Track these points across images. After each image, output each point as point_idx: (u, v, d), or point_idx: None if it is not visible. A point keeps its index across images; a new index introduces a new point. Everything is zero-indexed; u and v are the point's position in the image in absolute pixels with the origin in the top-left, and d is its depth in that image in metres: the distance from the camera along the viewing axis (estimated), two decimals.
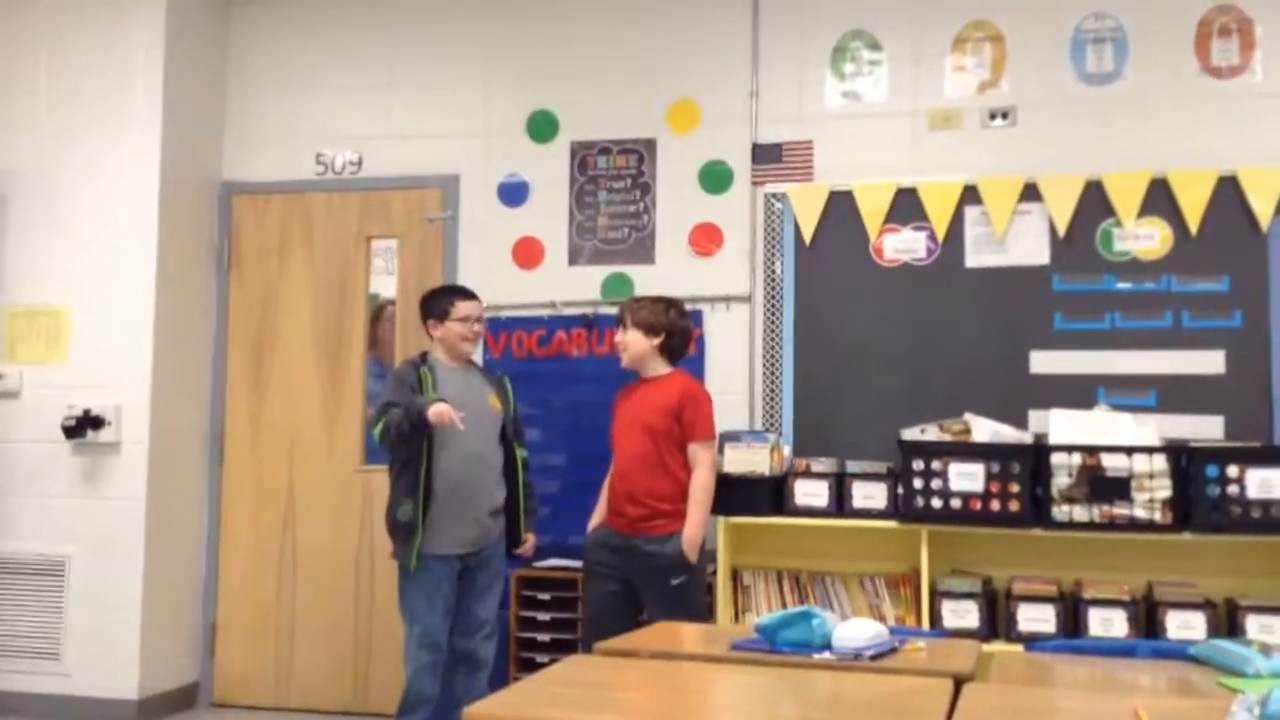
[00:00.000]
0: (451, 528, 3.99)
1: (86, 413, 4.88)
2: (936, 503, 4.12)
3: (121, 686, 4.84)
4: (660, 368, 4.08)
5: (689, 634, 2.93)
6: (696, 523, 3.91)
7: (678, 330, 4.09)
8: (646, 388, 4.06)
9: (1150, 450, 3.99)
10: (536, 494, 4.38)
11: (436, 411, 3.80)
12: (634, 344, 4.05)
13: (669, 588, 3.86)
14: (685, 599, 3.89)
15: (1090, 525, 3.99)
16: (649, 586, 3.91)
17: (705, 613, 4.05)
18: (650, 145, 4.96)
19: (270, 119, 5.38)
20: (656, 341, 4.04)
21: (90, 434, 4.88)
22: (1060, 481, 4.02)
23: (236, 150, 5.41)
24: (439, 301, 4.23)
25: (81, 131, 5.07)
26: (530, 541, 4.26)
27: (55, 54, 5.14)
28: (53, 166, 5.09)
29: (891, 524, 4.20)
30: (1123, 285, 4.45)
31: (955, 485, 4.11)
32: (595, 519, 4.15)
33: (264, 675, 5.18)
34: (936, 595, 4.15)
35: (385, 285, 5.24)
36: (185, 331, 5.17)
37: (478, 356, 4.93)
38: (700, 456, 3.97)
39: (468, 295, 4.28)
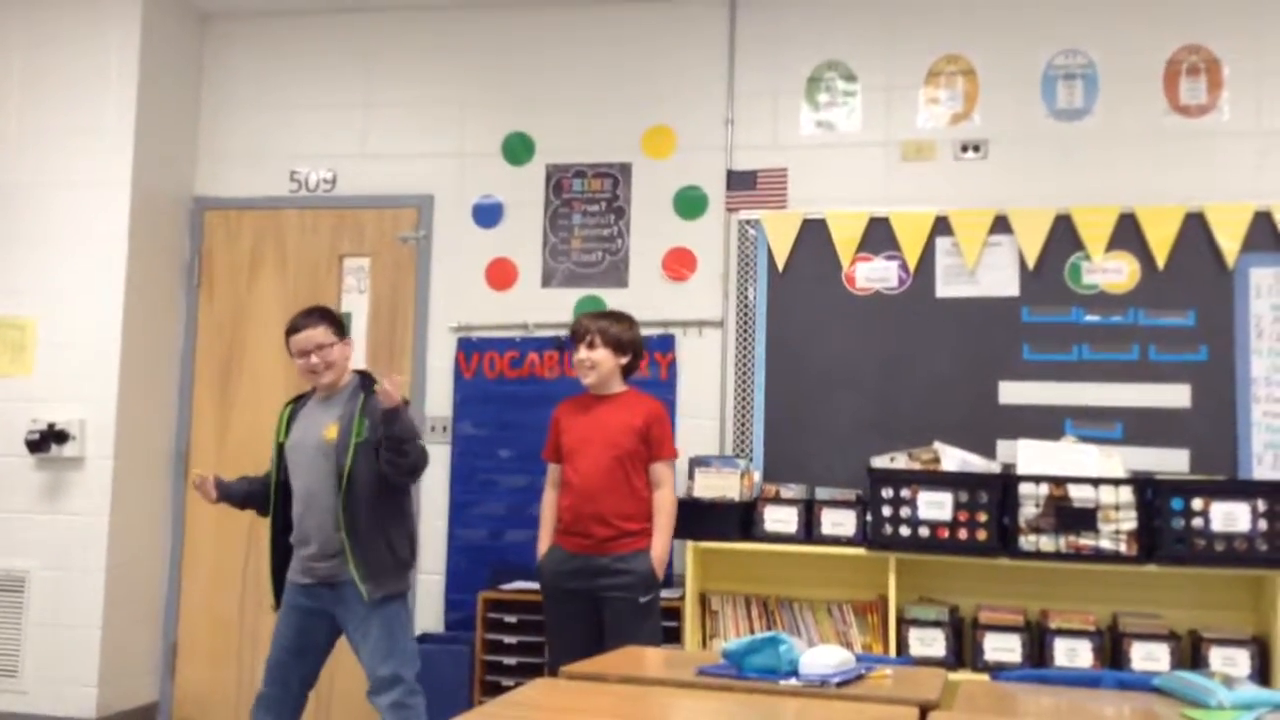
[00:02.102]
0: (296, 555, 3.80)
1: (50, 427, 4.82)
2: (905, 531, 4.13)
3: (80, 705, 4.76)
4: (619, 385, 4.04)
5: (656, 658, 2.92)
6: (664, 542, 3.90)
7: (640, 348, 4.09)
8: (606, 406, 3.99)
9: (1116, 482, 4.02)
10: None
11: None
12: (605, 362, 3.98)
13: (637, 605, 3.83)
14: (651, 617, 3.86)
15: (1056, 555, 4.01)
16: (616, 604, 3.85)
17: (660, 634, 3.97)
18: (625, 170, 4.98)
19: (244, 135, 5.36)
20: (624, 360, 4.02)
21: (54, 448, 4.82)
22: (1027, 511, 4.04)
23: (209, 166, 5.38)
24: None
25: (53, 143, 5.03)
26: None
27: (28, 64, 5.10)
28: (22, 178, 5.04)
29: (860, 551, 4.21)
30: (1091, 318, 4.49)
31: (924, 513, 4.12)
32: (545, 542, 4.02)
33: (225, 696, 5.11)
34: (903, 623, 4.16)
35: (357, 304, 5.21)
36: (153, 347, 5.12)
37: (446, 376, 4.94)
38: (665, 475, 3.95)
39: (296, 328, 3.77)
